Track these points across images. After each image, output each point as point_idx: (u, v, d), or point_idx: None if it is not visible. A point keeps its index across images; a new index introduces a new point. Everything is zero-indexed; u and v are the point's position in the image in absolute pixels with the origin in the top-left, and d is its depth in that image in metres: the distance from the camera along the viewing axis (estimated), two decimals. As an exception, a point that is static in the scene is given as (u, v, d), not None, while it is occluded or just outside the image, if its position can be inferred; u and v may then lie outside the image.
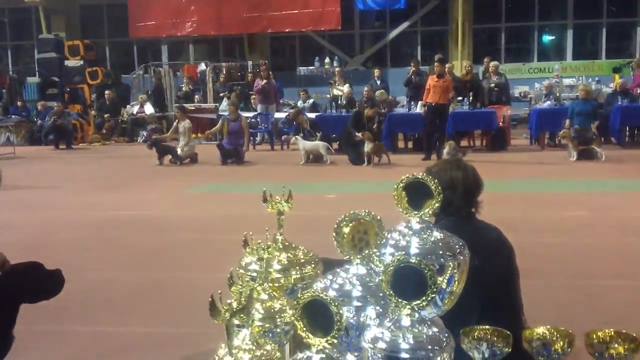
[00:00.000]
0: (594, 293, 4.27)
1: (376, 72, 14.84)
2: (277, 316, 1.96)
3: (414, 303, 1.56)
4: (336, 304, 1.61)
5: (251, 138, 13.41)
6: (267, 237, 2.22)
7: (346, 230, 1.93)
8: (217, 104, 15.67)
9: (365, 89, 12.94)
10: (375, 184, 8.87)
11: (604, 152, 10.49)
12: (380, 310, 1.81)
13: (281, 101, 15.71)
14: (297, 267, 2.16)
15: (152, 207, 7.77)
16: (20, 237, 6.01)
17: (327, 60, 17.43)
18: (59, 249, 5.66)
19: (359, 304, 1.84)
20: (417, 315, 1.58)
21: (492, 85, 13.16)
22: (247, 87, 16.21)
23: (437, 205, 1.81)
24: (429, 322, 1.60)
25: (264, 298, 2.01)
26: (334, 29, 18.13)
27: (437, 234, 1.83)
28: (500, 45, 18.76)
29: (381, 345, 1.56)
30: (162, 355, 3.42)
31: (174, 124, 12.22)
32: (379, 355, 1.55)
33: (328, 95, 15.31)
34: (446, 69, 11.95)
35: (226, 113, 13.14)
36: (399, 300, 1.57)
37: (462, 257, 1.79)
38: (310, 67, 17.64)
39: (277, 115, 14.57)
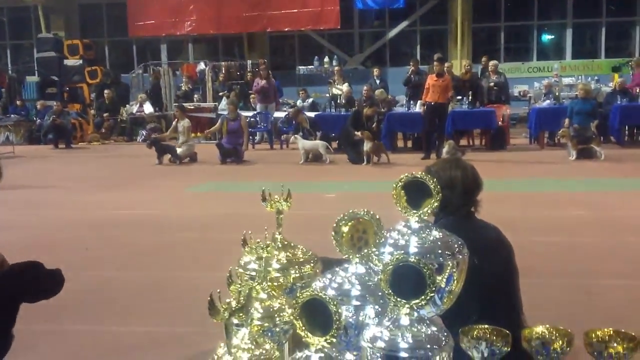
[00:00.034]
0: (594, 292, 4.27)
1: (375, 71, 14.85)
2: (276, 315, 1.96)
3: (413, 302, 1.56)
4: (335, 303, 1.61)
5: (250, 137, 13.41)
6: (266, 236, 2.22)
7: (345, 229, 1.93)
8: (217, 103, 15.67)
9: (365, 88, 12.93)
10: (374, 183, 8.88)
11: (603, 151, 10.50)
12: (379, 309, 1.81)
13: (280, 100, 15.71)
14: (296, 266, 2.16)
15: (151, 207, 7.77)
16: (19, 236, 6.00)
17: (326, 59, 17.41)
18: (59, 248, 5.66)
19: (357, 303, 1.84)
20: (416, 314, 1.58)
21: (492, 84, 13.16)
22: (246, 86, 16.20)
23: (436, 204, 1.81)
24: (427, 321, 1.60)
25: (263, 297, 2.01)
26: (333, 28, 18.13)
27: (436, 233, 1.83)
28: (499, 45, 18.76)
29: (380, 344, 1.56)
30: (162, 355, 3.42)
31: (173, 123, 12.21)
32: (378, 354, 1.55)
33: (327, 95, 15.30)
34: (445, 68, 11.94)
35: (225, 112, 13.14)
36: (398, 299, 1.57)
37: (461, 256, 1.79)
38: (310, 67, 17.62)
39: (277, 114, 14.57)
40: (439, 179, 1.99)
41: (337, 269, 1.96)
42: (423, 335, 1.55)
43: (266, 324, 1.94)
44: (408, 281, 1.56)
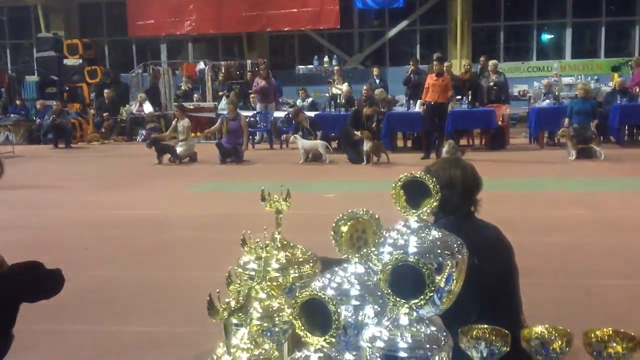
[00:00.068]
0: (593, 292, 4.27)
1: (375, 70, 14.84)
2: (275, 315, 1.96)
3: (412, 302, 1.56)
4: (334, 302, 1.61)
5: (250, 137, 13.41)
6: (266, 236, 2.22)
7: (344, 229, 1.92)
8: (216, 103, 15.67)
9: (364, 87, 12.92)
10: (374, 183, 8.87)
11: (603, 151, 10.49)
12: (379, 309, 1.81)
13: (280, 100, 15.71)
14: (296, 266, 2.16)
15: (151, 206, 7.77)
16: (19, 236, 6.01)
17: (326, 59, 17.41)
18: (59, 248, 5.66)
19: (357, 302, 1.83)
20: (415, 314, 1.58)
21: (491, 84, 13.14)
22: (246, 86, 16.20)
23: (435, 204, 1.81)
24: (427, 321, 1.60)
25: (262, 297, 2.01)
26: (333, 28, 18.11)
27: (435, 233, 1.83)
28: (499, 44, 18.75)
29: (379, 344, 1.56)
30: (161, 355, 3.42)
31: (173, 122, 12.20)
32: (377, 354, 1.55)
33: (327, 94, 15.29)
34: (445, 68, 11.94)
35: (225, 112, 13.14)
36: (397, 299, 1.57)
37: (460, 256, 1.79)
38: (309, 66, 17.63)
39: (276, 114, 14.57)
40: (438, 179, 1.99)
41: (336, 268, 1.96)
42: (422, 335, 1.55)
43: (265, 324, 1.94)
44: (407, 281, 1.56)
